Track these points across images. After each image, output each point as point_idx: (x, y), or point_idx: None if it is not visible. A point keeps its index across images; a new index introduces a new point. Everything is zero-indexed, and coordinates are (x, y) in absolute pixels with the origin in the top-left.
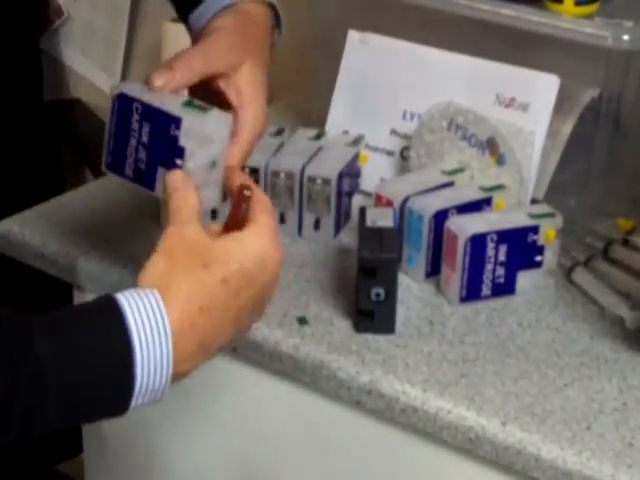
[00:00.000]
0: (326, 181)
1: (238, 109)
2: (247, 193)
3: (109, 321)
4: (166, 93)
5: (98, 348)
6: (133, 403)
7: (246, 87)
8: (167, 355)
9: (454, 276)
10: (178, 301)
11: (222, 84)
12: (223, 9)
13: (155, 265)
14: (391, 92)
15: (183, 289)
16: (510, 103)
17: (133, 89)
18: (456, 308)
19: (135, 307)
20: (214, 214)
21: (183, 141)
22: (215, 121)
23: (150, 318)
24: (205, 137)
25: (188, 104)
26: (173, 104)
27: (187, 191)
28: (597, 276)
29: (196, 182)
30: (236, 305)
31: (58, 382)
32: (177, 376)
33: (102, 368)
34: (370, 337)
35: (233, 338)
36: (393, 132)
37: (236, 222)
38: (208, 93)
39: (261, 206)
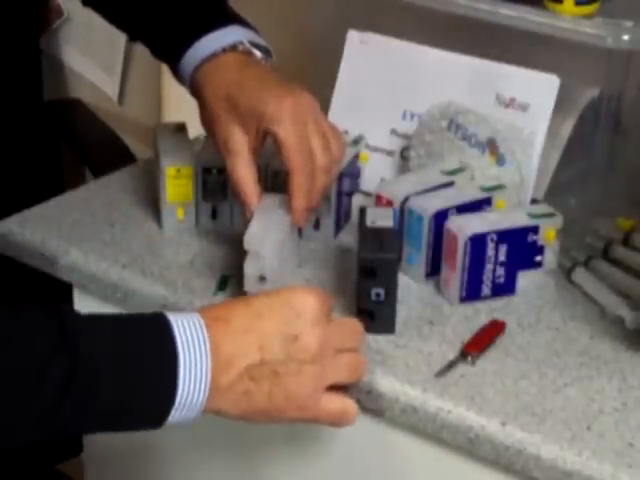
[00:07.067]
0: None
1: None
2: None
3: (158, 331)
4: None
5: (147, 355)
6: (172, 415)
7: (281, 133)
8: (206, 370)
9: (454, 276)
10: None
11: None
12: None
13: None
14: (391, 92)
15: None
16: (510, 103)
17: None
18: (456, 308)
19: (180, 323)
20: (214, 213)
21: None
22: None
23: (193, 335)
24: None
25: None
26: None
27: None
28: (597, 276)
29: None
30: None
31: (111, 381)
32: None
33: (149, 374)
34: (370, 337)
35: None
36: (393, 132)
37: None
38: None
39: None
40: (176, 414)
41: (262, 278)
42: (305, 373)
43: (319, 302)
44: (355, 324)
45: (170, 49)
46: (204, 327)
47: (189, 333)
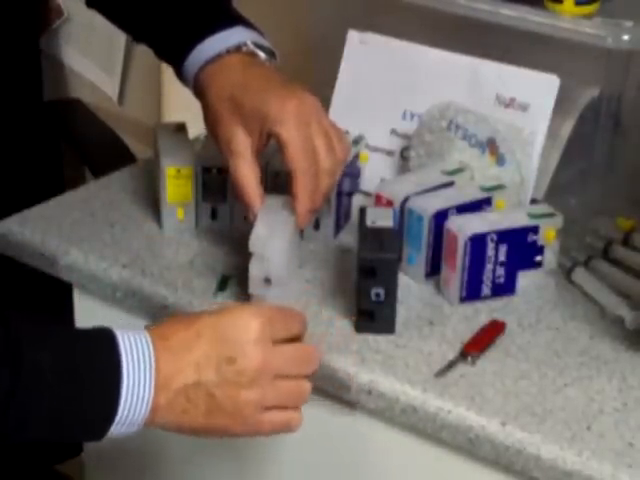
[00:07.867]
0: None
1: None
2: None
3: (103, 345)
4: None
5: (90, 369)
6: (112, 429)
7: (284, 135)
8: (149, 387)
9: (454, 276)
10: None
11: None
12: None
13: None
14: (391, 92)
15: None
16: (510, 103)
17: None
18: (456, 308)
19: (127, 339)
20: (214, 213)
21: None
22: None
23: (139, 351)
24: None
25: None
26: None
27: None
28: (597, 276)
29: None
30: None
31: (55, 392)
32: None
33: (91, 388)
34: (370, 337)
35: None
36: (393, 132)
37: None
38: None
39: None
40: (117, 428)
41: (267, 280)
42: (242, 398)
43: (264, 325)
44: (308, 352)
45: (174, 50)
46: (150, 344)
47: (135, 349)
